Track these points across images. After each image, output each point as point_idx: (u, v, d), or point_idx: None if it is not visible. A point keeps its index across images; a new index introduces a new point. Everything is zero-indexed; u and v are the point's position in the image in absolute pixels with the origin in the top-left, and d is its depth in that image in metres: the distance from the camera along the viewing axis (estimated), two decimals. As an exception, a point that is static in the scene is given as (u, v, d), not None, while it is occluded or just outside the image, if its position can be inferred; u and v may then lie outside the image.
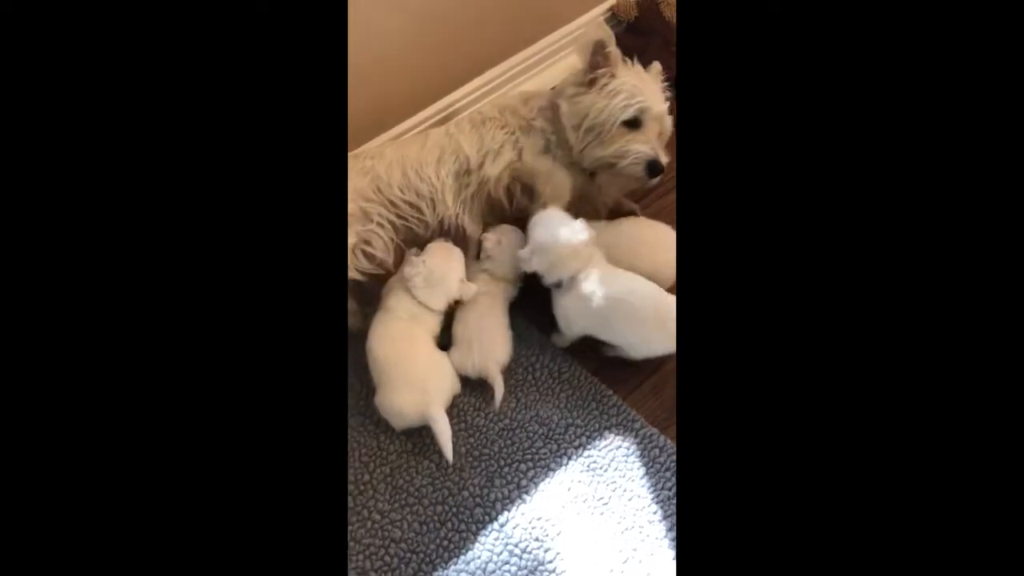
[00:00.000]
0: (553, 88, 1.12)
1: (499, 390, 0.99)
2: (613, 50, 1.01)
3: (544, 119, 1.09)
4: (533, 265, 1.01)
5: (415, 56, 1.22)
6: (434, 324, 1.04)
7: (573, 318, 1.01)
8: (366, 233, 1.05)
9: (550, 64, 1.44)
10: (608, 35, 1.00)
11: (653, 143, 1.03)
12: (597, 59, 1.01)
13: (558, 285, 1.01)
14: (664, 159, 1.03)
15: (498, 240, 1.08)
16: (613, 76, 1.02)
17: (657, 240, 1.09)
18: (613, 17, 1.48)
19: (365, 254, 1.06)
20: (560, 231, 1.00)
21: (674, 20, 1.41)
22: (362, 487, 0.96)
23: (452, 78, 1.32)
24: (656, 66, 1.09)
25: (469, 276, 1.07)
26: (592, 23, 1.01)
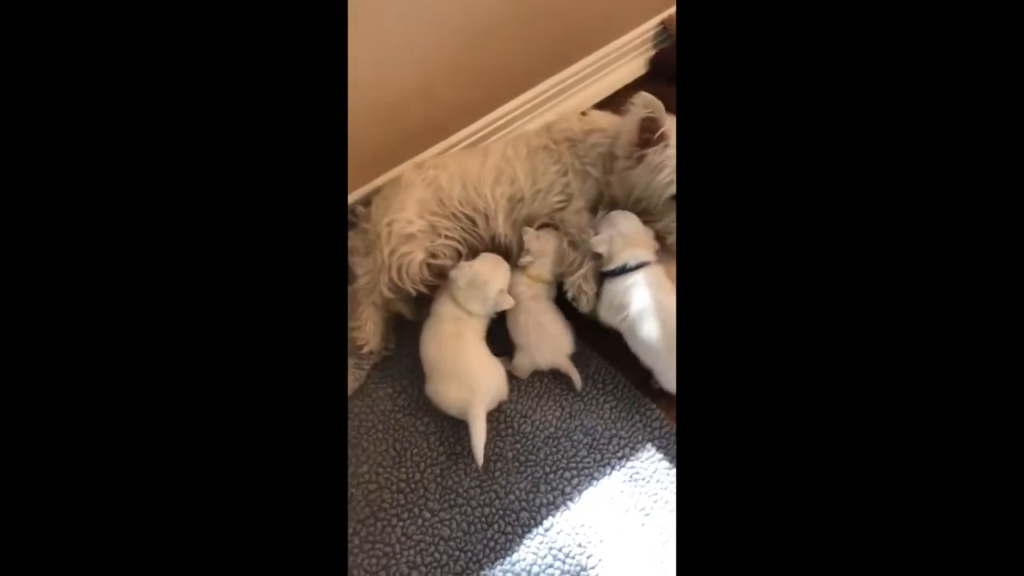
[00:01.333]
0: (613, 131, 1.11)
1: (575, 376, 1.05)
2: (661, 120, 0.99)
3: (600, 169, 1.12)
4: (604, 247, 1.04)
5: (453, 76, 1.25)
6: (479, 327, 1.08)
7: (618, 307, 1.02)
8: (434, 248, 1.10)
9: (590, 84, 1.47)
10: (658, 107, 0.98)
11: None
12: (647, 136, 1.01)
13: (622, 270, 1.03)
14: None
15: (537, 236, 1.12)
16: (666, 146, 1.01)
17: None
18: (664, 31, 1.49)
19: (431, 268, 1.10)
20: (634, 221, 1.06)
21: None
22: (413, 485, 1.01)
23: (488, 99, 1.35)
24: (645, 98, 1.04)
25: (513, 281, 1.11)
26: (640, 95, 0.99)
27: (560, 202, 1.14)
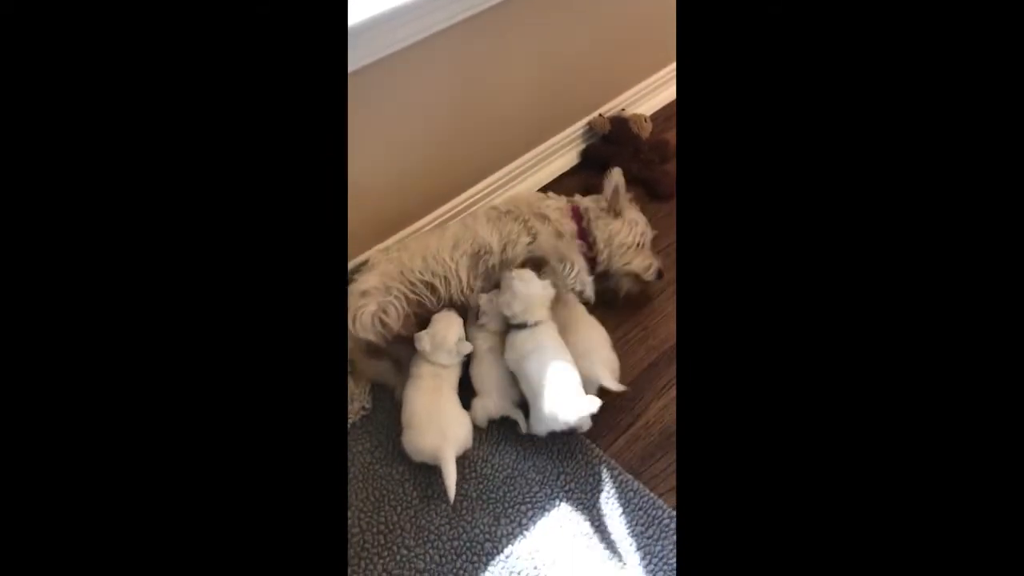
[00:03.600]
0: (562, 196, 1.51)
1: (521, 420, 1.24)
2: (623, 193, 1.46)
3: (558, 216, 1.43)
4: (509, 310, 1.28)
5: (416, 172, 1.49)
6: (453, 377, 1.28)
7: (518, 350, 1.25)
8: (385, 304, 1.29)
9: (534, 172, 1.74)
10: (622, 182, 1.45)
11: (653, 258, 1.46)
12: (616, 198, 1.45)
13: (523, 326, 1.28)
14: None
15: (489, 300, 1.32)
16: (626, 208, 1.46)
17: (592, 342, 1.31)
18: (590, 130, 1.79)
19: (382, 321, 1.29)
20: (535, 285, 1.30)
21: (642, 134, 1.73)
22: (391, 527, 1.16)
23: (448, 188, 1.60)
24: (617, 171, 1.46)
25: (472, 335, 1.31)
26: (613, 171, 1.45)
27: (530, 243, 1.40)
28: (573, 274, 1.35)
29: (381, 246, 1.48)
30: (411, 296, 1.32)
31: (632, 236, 1.44)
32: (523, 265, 1.38)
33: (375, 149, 1.36)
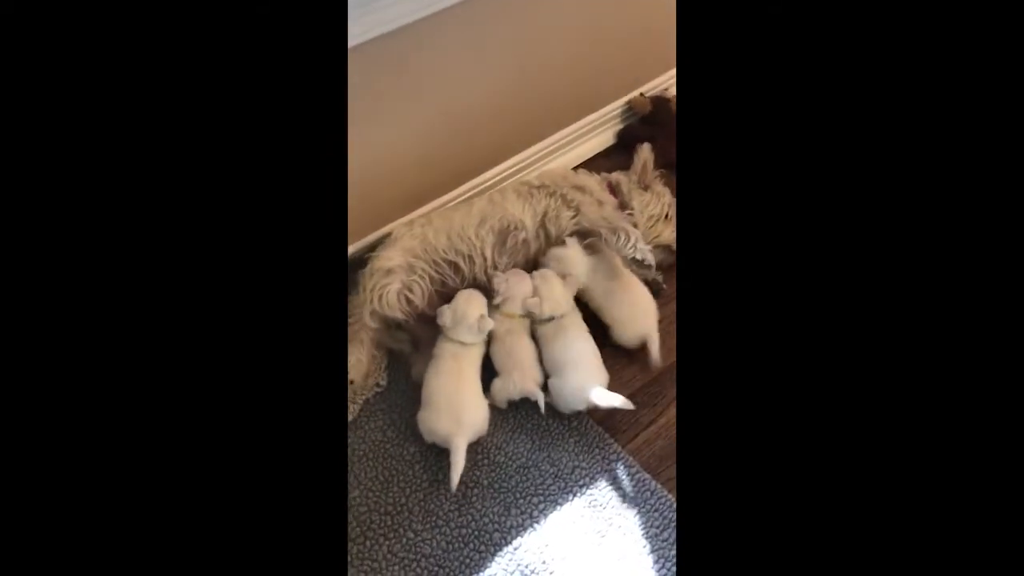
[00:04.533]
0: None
1: (541, 401, 1.20)
2: (651, 167, 1.47)
3: (596, 187, 1.40)
4: (538, 308, 1.28)
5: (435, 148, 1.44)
6: (475, 357, 1.25)
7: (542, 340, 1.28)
8: (409, 282, 1.27)
9: (567, 151, 1.67)
10: (651, 157, 1.45)
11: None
12: (645, 173, 1.45)
13: (550, 320, 1.28)
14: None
15: (506, 279, 1.29)
16: (652, 182, 1.47)
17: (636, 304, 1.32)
18: (629, 109, 1.71)
19: (406, 299, 1.26)
20: (556, 283, 1.29)
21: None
22: (399, 508, 1.14)
23: (477, 164, 1.54)
24: (647, 146, 1.46)
25: (492, 315, 1.27)
26: (643, 146, 1.44)
27: (574, 216, 1.35)
28: (631, 243, 1.30)
29: (405, 219, 1.44)
30: (435, 275, 1.29)
31: (660, 207, 1.43)
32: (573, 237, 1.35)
33: (403, 117, 1.30)
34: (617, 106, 1.70)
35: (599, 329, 1.31)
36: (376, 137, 1.28)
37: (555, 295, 1.28)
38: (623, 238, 1.29)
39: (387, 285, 1.25)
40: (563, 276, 1.30)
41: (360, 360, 1.25)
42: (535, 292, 1.28)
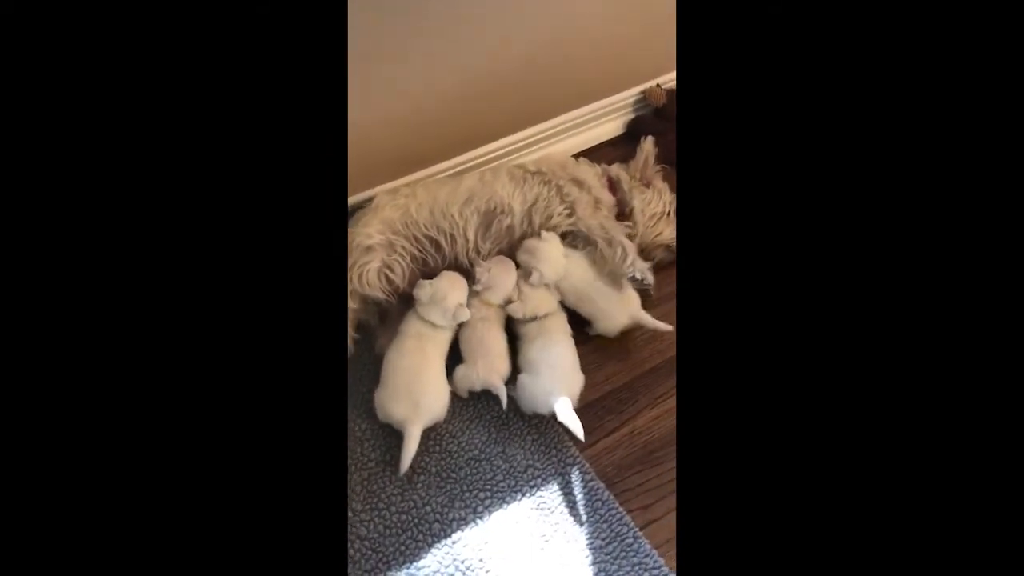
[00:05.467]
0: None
1: (503, 397, 1.14)
2: (652, 163, 1.40)
3: (596, 183, 1.33)
4: (520, 312, 1.23)
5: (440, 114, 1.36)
6: (442, 341, 1.19)
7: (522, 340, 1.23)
8: (390, 261, 1.21)
9: (572, 135, 1.58)
10: (653, 152, 1.39)
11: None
12: (647, 168, 1.39)
13: (533, 319, 1.23)
14: None
15: (488, 269, 1.23)
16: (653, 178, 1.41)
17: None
18: (643, 100, 1.62)
19: (387, 278, 1.21)
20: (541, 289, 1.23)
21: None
22: (341, 485, 1.10)
23: (461, 141, 1.46)
24: (650, 139, 1.40)
25: (468, 300, 1.22)
26: (647, 140, 1.38)
27: (565, 210, 1.28)
28: (628, 261, 1.23)
29: (389, 185, 1.37)
30: (416, 253, 1.23)
31: (661, 205, 1.37)
32: (562, 238, 1.29)
33: (405, 70, 1.22)
34: (631, 94, 1.61)
35: (577, 325, 1.26)
36: (373, 87, 1.20)
37: (537, 295, 1.23)
38: (620, 254, 1.23)
39: (367, 263, 1.19)
40: (530, 271, 1.24)
41: None
42: (518, 290, 1.23)
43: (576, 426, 1.09)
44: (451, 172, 1.44)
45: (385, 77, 1.21)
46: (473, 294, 1.23)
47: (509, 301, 1.24)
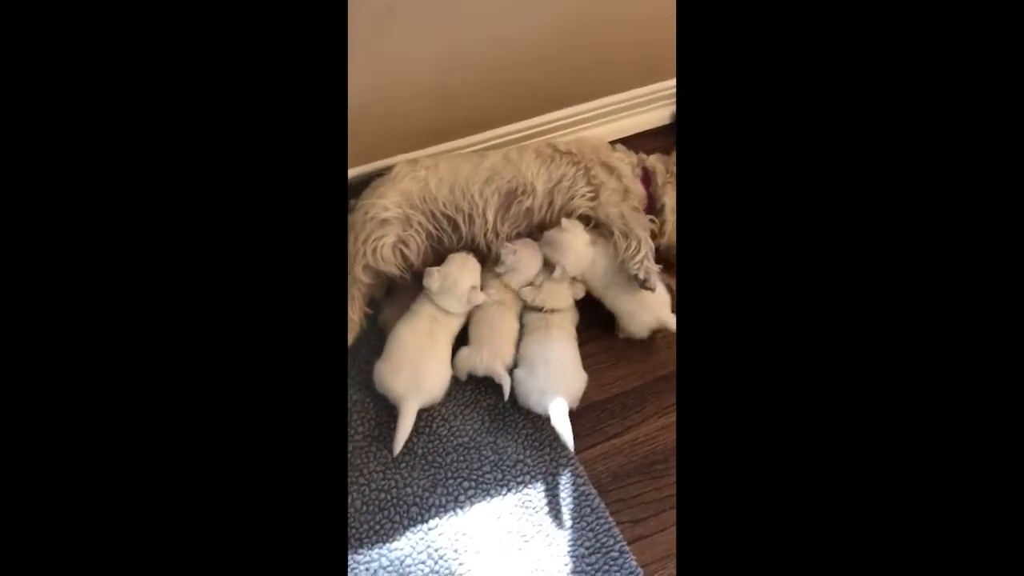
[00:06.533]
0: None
1: (506, 386, 1.09)
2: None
3: (628, 171, 1.25)
4: (530, 297, 1.18)
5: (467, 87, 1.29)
6: (453, 326, 1.15)
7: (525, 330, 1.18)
8: (405, 236, 1.16)
9: (613, 120, 1.49)
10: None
11: None
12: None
13: (540, 310, 1.17)
14: None
15: (514, 251, 1.17)
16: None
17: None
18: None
19: (402, 254, 1.16)
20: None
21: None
22: (325, 455, 1.08)
23: (492, 116, 1.38)
24: None
25: (485, 283, 1.17)
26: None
27: (589, 193, 1.20)
28: (638, 257, 1.14)
29: (411, 155, 1.32)
30: (432, 231, 1.18)
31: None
32: (587, 224, 1.21)
33: (433, 35, 1.16)
34: (659, 88, 1.50)
35: (605, 324, 1.19)
36: (397, 52, 1.15)
37: (554, 288, 1.17)
38: (632, 248, 1.14)
39: (382, 237, 1.14)
40: (553, 264, 1.17)
41: (352, 320, 1.13)
42: (541, 277, 1.17)
43: (567, 432, 1.02)
44: (478, 148, 1.38)
45: (411, 39, 1.16)
46: (495, 275, 1.18)
47: (522, 298, 1.18)
